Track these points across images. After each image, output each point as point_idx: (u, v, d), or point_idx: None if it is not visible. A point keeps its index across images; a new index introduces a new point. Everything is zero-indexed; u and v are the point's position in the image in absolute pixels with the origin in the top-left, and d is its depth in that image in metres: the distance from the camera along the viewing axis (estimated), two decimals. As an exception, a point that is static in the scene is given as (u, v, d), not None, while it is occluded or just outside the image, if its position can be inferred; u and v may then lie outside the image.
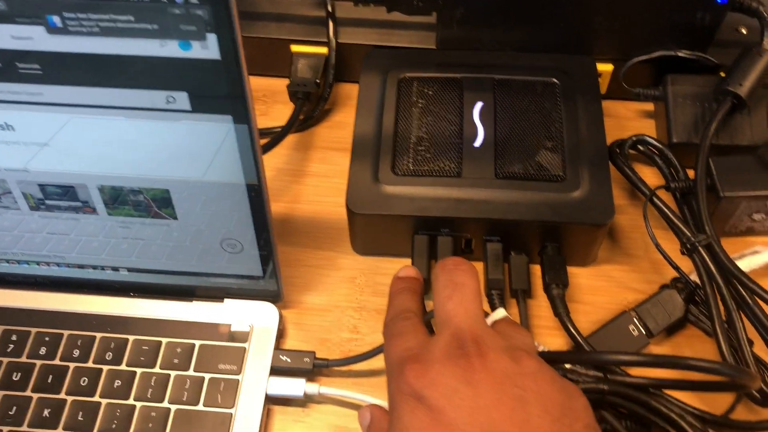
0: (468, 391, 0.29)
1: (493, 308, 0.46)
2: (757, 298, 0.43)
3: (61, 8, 0.32)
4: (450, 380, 0.30)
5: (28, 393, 0.44)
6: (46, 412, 0.43)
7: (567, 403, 0.30)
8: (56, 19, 0.33)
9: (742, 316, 0.44)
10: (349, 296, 0.49)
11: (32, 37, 0.34)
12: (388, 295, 0.44)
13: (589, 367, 0.43)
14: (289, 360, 0.45)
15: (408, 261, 0.48)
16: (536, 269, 0.49)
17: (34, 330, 0.46)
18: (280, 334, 0.47)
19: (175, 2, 0.32)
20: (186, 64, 0.34)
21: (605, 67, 0.54)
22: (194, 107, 0.36)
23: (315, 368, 0.44)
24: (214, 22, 0.32)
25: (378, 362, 0.45)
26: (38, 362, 0.45)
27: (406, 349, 0.33)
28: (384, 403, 0.42)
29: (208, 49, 0.33)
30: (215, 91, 0.35)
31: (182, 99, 0.36)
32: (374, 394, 0.43)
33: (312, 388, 0.44)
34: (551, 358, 0.38)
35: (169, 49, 0.33)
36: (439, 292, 0.34)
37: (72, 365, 0.45)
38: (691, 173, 0.50)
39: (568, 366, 0.42)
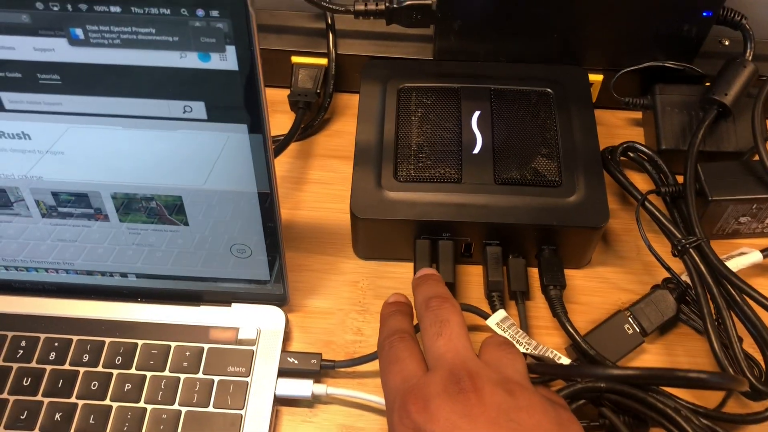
0: (466, 426, 0.31)
1: (494, 310, 0.47)
2: (745, 297, 0.45)
3: (84, 21, 0.33)
4: (449, 415, 0.32)
5: (38, 397, 0.45)
6: (57, 416, 0.44)
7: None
8: (79, 32, 0.34)
9: (732, 314, 0.46)
10: (353, 299, 0.50)
11: (54, 49, 0.35)
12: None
13: (586, 363, 0.44)
14: (296, 362, 0.46)
15: (410, 265, 0.50)
16: (534, 272, 0.50)
17: (43, 336, 0.47)
18: (287, 337, 0.48)
19: (196, 15, 0.33)
20: (204, 75, 0.35)
21: (596, 77, 0.57)
22: (210, 116, 0.37)
23: (322, 369, 0.46)
24: (233, 35, 0.33)
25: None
26: (48, 367, 0.46)
27: (404, 380, 0.35)
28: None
29: (226, 60, 0.34)
30: (232, 101, 0.36)
31: (199, 108, 0.37)
32: (379, 394, 0.44)
33: (320, 388, 0.45)
34: (542, 371, 0.40)
35: (189, 60, 0.35)
36: (428, 329, 0.37)
37: (82, 370, 0.45)
38: (679, 178, 0.52)
39: (567, 362, 0.43)
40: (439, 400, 0.32)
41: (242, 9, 0.32)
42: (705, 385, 0.36)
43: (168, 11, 0.33)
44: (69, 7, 0.33)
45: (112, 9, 0.33)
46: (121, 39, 0.34)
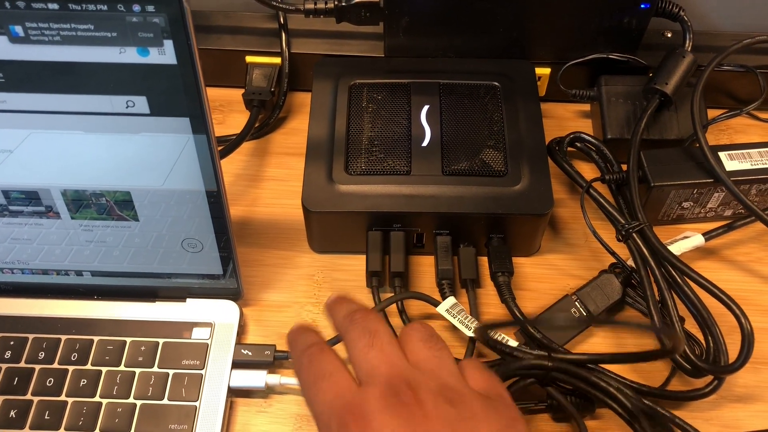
0: None
1: (444, 297, 0.48)
2: (686, 278, 0.47)
3: (24, 18, 0.34)
4: (391, 429, 0.30)
5: (-6, 396, 0.45)
6: (12, 413, 0.44)
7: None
8: (18, 29, 0.35)
9: (674, 295, 0.47)
10: (308, 292, 0.51)
11: (-5, 47, 0.35)
12: (347, 291, 0.47)
13: (533, 346, 0.45)
14: (250, 353, 0.46)
15: (362, 257, 0.50)
16: (484, 260, 0.52)
17: (-2, 335, 0.47)
18: (242, 330, 0.49)
19: (132, 11, 0.34)
20: (144, 70, 0.36)
21: (543, 71, 0.58)
22: (153, 110, 0.38)
23: (276, 360, 0.46)
24: (170, 29, 0.34)
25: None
26: (3, 366, 0.46)
27: (337, 396, 0.33)
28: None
29: (165, 54, 0.35)
30: (173, 94, 0.37)
31: (141, 103, 0.38)
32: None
33: (273, 379, 0.46)
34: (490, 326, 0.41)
35: (128, 55, 0.35)
36: (356, 342, 0.34)
37: (38, 367, 0.46)
38: (624, 167, 0.53)
39: (515, 345, 0.44)
40: (382, 416, 0.30)
41: (177, 3, 0.33)
42: (649, 330, 0.36)
43: (105, 7, 0.34)
44: (7, 4, 0.34)
45: (50, 6, 0.34)
46: (60, 36, 0.35)
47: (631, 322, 0.36)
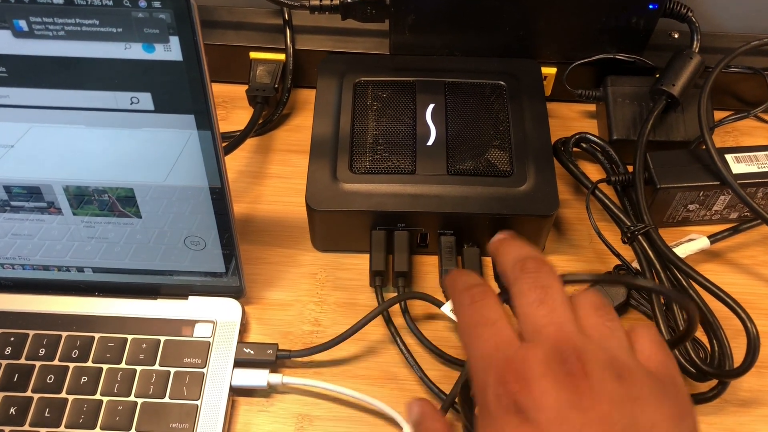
0: (577, 419, 0.27)
1: (448, 298, 0.48)
2: (692, 281, 0.47)
3: (27, 13, 0.34)
4: (557, 403, 0.28)
5: (-6, 392, 0.45)
6: (12, 410, 0.44)
7: (677, 429, 0.28)
8: (23, 24, 0.34)
9: (679, 298, 0.47)
10: (311, 291, 0.51)
11: (-2, 41, 0.35)
12: (349, 289, 0.46)
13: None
14: (252, 352, 0.46)
15: (366, 256, 0.50)
16: (488, 261, 0.51)
17: (-1, 331, 0.47)
18: (244, 329, 0.48)
19: (138, 6, 0.33)
20: (149, 66, 0.36)
21: (549, 71, 0.58)
22: (157, 107, 0.38)
23: (278, 359, 0.46)
24: (176, 25, 0.34)
25: (338, 352, 0.47)
26: (3, 362, 0.46)
27: (497, 347, 0.30)
28: (347, 391, 0.45)
29: (170, 51, 0.35)
30: (177, 91, 0.37)
31: (146, 100, 0.37)
32: (336, 383, 0.45)
33: (275, 378, 0.45)
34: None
35: (133, 51, 0.35)
36: (526, 294, 0.31)
37: (38, 363, 0.46)
38: (630, 168, 0.53)
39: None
40: (545, 381, 0.28)
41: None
42: (660, 293, 0.34)
43: (111, 2, 0.33)
44: (11, -2, 0.33)
45: (55, 0, 0.33)
46: (65, 30, 0.34)
47: (648, 281, 0.34)
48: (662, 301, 0.47)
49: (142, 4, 0.33)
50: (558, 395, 0.28)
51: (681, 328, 0.45)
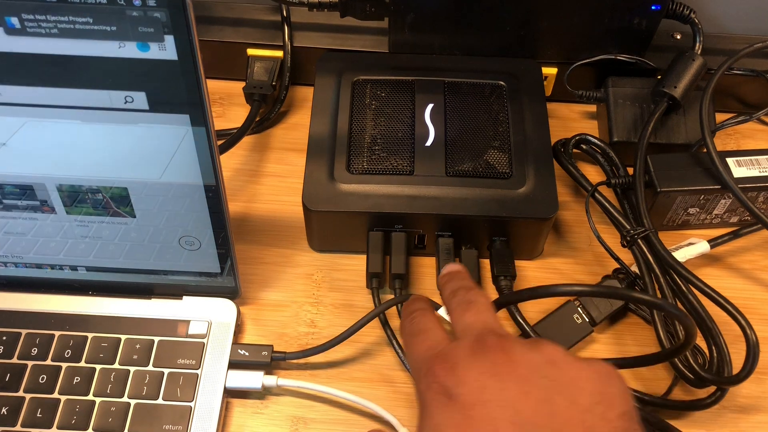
0: (495, 385, 0.29)
1: (445, 300, 0.48)
2: (691, 287, 0.46)
3: (20, 10, 0.33)
4: (478, 375, 0.30)
5: (-15, 392, 0.44)
6: (3, 410, 0.43)
7: (598, 389, 0.29)
8: (15, 21, 0.34)
9: (678, 303, 0.47)
10: (307, 292, 0.50)
11: (-10, 38, 0.34)
12: (346, 291, 0.46)
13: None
14: (247, 354, 0.46)
15: (363, 257, 0.50)
16: (486, 263, 0.51)
17: (-9, 330, 0.46)
18: (239, 330, 0.48)
19: (133, 5, 0.33)
20: (144, 65, 0.35)
21: (550, 71, 0.57)
22: (152, 107, 0.37)
23: (273, 361, 0.46)
24: (171, 24, 0.33)
25: (334, 354, 0.47)
26: (-5, 361, 0.45)
27: (429, 348, 0.33)
28: (343, 394, 0.44)
29: (165, 50, 0.34)
30: (172, 90, 0.36)
31: (140, 99, 0.37)
32: (331, 385, 0.45)
33: (270, 380, 0.45)
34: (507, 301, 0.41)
35: (128, 50, 0.34)
36: (455, 309, 0.36)
37: (30, 363, 0.45)
38: (631, 170, 0.52)
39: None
40: (467, 361, 0.30)
41: (179, -2, 0.32)
42: (658, 307, 0.36)
43: (105, 0, 0.33)
44: (3, -5, 0.33)
45: (48, -2, 0.33)
46: (58, 28, 0.34)
47: (644, 294, 0.35)
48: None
49: (137, 2, 0.33)
50: (479, 370, 0.30)
51: (681, 336, 0.45)
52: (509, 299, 0.43)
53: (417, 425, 0.31)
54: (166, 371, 0.45)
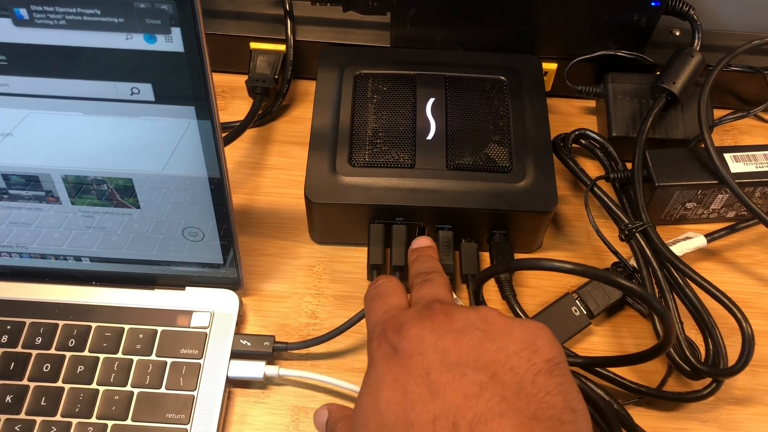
0: (432, 337, 0.32)
1: (445, 292, 0.48)
2: (688, 280, 0.47)
3: (28, 1, 0.33)
4: (418, 331, 0.33)
5: (-11, 380, 0.45)
6: (8, 398, 0.44)
7: (527, 338, 0.32)
8: (23, 12, 0.34)
9: (675, 297, 0.47)
10: (308, 283, 0.51)
11: (-2, 29, 0.35)
12: (346, 282, 0.47)
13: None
14: (249, 344, 0.46)
15: (364, 249, 0.50)
16: (486, 256, 0.51)
17: (-5, 319, 0.47)
18: (241, 320, 0.48)
19: (140, -3, 0.33)
20: (151, 57, 0.35)
21: (550, 66, 0.58)
22: (158, 98, 0.37)
23: (274, 351, 0.46)
24: (178, 17, 0.34)
25: (335, 345, 0.48)
26: (0, 350, 0.46)
27: (385, 312, 0.36)
28: (343, 384, 0.45)
29: (172, 42, 0.35)
30: (178, 82, 0.36)
31: (146, 90, 0.37)
32: (332, 376, 0.45)
33: (272, 370, 0.45)
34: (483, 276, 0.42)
35: (135, 42, 0.35)
36: (414, 285, 0.39)
37: (34, 352, 0.45)
38: (629, 165, 0.53)
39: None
40: (412, 322, 0.33)
41: (186, -9, 0.33)
42: (632, 292, 0.36)
43: (112, -8, 0.33)
44: (12, -14, 0.33)
45: (56, -11, 0.33)
46: (66, 20, 0.34)
47: (620, 276, 0.36)
48: (658, 298, 0.47)
49: (144, -6, 0.33)
50: (420, 327, 0.33)
51: (675, 324, 0.46)
52: (489, 273, 0.43)
53: (363, 380, 0.34)
54: (169, 361, 0.45)
